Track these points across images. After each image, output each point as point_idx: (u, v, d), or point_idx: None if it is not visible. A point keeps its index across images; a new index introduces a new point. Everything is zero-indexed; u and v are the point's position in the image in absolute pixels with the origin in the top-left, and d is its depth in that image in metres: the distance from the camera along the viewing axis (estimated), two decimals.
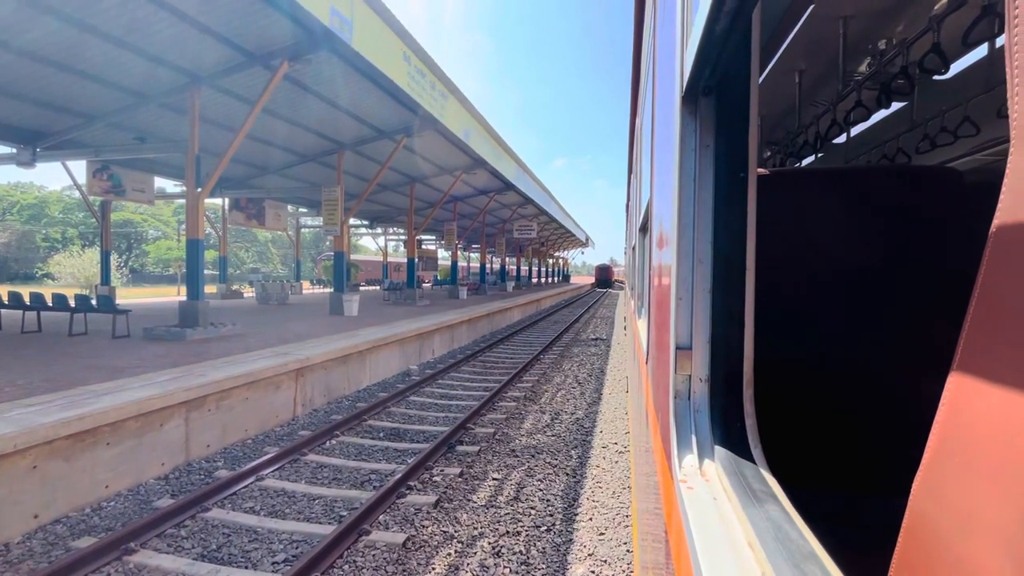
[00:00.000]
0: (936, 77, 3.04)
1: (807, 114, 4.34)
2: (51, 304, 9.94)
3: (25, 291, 10.78)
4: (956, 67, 3.36)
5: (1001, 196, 0.30)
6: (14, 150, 12.17)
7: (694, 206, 0.91)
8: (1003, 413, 0.29)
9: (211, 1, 7.73)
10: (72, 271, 32.02)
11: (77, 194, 27.32)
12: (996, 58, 3.11)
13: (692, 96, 0.91)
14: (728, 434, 0.87)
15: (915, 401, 0.91)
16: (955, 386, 0.34)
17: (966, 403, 0.33)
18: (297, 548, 3.77)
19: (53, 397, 4.88)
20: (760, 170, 1.22)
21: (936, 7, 2.70)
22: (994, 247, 0.31)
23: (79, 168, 14.86)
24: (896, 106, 3.96)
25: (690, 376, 0.92)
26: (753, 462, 0.80)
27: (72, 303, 9.79)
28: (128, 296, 25.03)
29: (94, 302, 9.99)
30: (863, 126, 4.40)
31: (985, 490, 0.30)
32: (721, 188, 0.89)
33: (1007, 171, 0.30)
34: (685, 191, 0.92)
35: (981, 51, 3.18)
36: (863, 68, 3.66)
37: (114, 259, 26.90)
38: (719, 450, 0.84)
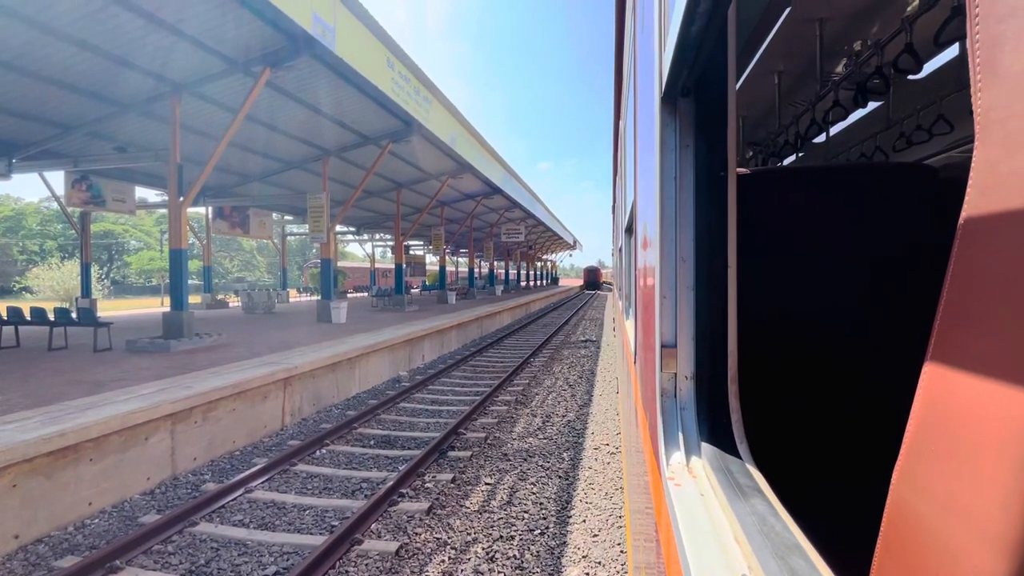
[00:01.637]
0: (911, 77, 3.11)
1: (787, 114, 4.42)
2: (29, 318, 9.71)
3: (2, 305, 10.53)
4: (930, 67, 3.45)
5: (968, 189, 0.31)
6: None
7: (676, 205, 0.92)
8: (976, 398, 0.30)
9: (191, 8, 7.65)
10: (51, 284, 31.35)
11: (55, 205, 26.80)
12: (968, 57, 3.20)
13: (671, 96, 0.92)
14: (714, 430, 0.88)
15: (897, 394, 0.93)
16: (930, 375, 0.35)
17: (941, 391, 0.34)
18: (288, 560, 3.71)
19: (32, 413, 4.77)
20: (740, 169, 1.23)
21: (908, 9, 2.77)
22: (962, 239, 0.31)
23: (57, 179, 14.62)
24: (873, 105, 4.05)
25: (675, 374, 0.93)
26: (739, 457, 0.81)
27: (51, 316, 9.57)
28: (110, 308, 24.56)
29: (74, 315, 9.79)
30: (842, 125, 4.48)
31: (962, 474, 0.31)
32: (702, 187, 0.90)
33: (972, 165, 0.31)
34: (667, 190, 0.93)
35: (953, 51, 3.26)
36: (840, 69, 3.74)
37: (95, 271, 26.42)
38: (706, 446, 0.85)
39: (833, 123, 3.94)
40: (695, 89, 0.90)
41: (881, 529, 0.39)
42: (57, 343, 9.46)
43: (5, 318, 9.78)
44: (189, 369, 7.06)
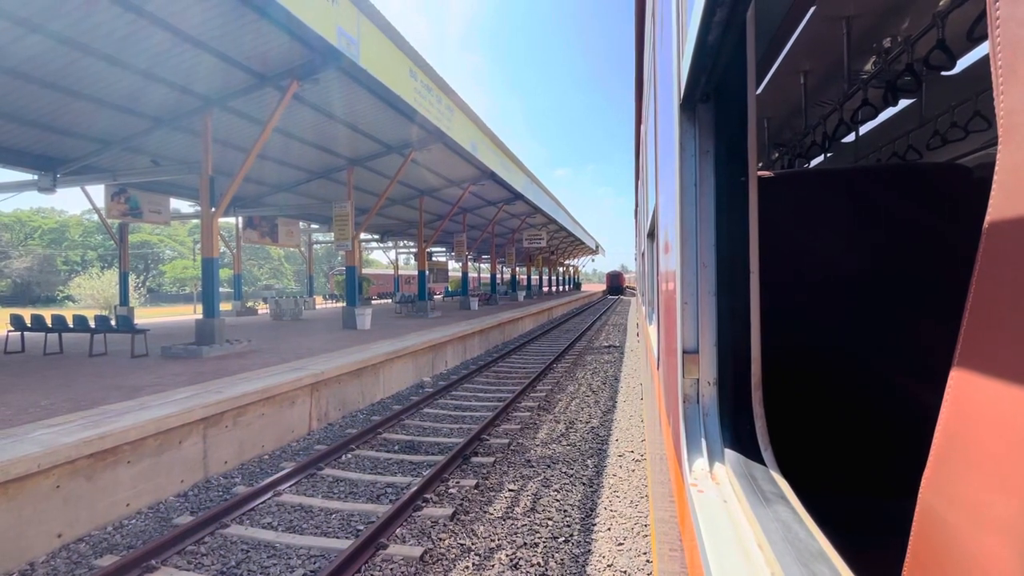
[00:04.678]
0: (944, 73, 3.01)
1: (814, 114, 4.32)
2: (72, 326, 10.16)
3: (47, 313, 11.04)
4: (964, 62, 3.33)
5: (992, 193, 0.31)
6: (35, 176, 12.53)
7: (696, 210, 0.92)
8: (1003, 406, 0.30)
9: (222, 26, 7.95)
10: (92, 293, 32.70)
11: (96, 217, 27.98)
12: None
13: (690, 103, 0.92)
14: (738, 436, 0.86)
15: (925, 402, 0.90)
16: (956, 382, 0.34)
17: (967, 398, 0.33)
18: (315, 563, 3.78)
19: (75, 417, 4.98)
20: (762, 172, 1.22)
21: (940, 3, 2.69)
22: (987, 244, 0.31)
23: (98, 192, 15.27)
24: (904, 103, 3.93)
25: (698, 380, 0.92)
26: (763, 464, 0.80)
27: (92, 324, 10.00)
28: (146, 315, 25.49)
29: (113, 322, 10.19)
30: (872, 124, 4.36)
31: (991, 484, 0.30)
32: (722, 192, 0.90)
33: (996, 168, 0.31)
34: (687, 196, 0.93)
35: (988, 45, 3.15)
36: (869, 67, 3.64)
37: (132, 280, 27.45)
38: (729, 452, 0.84)
39: (862, 122, 3.83)
40: (714, 95, 0.90)
41: (910, 539, 0.39)
42: (97, 349, 9.87)
43: (50, 326, 10.26)
44: (220, 375, 7.27)
